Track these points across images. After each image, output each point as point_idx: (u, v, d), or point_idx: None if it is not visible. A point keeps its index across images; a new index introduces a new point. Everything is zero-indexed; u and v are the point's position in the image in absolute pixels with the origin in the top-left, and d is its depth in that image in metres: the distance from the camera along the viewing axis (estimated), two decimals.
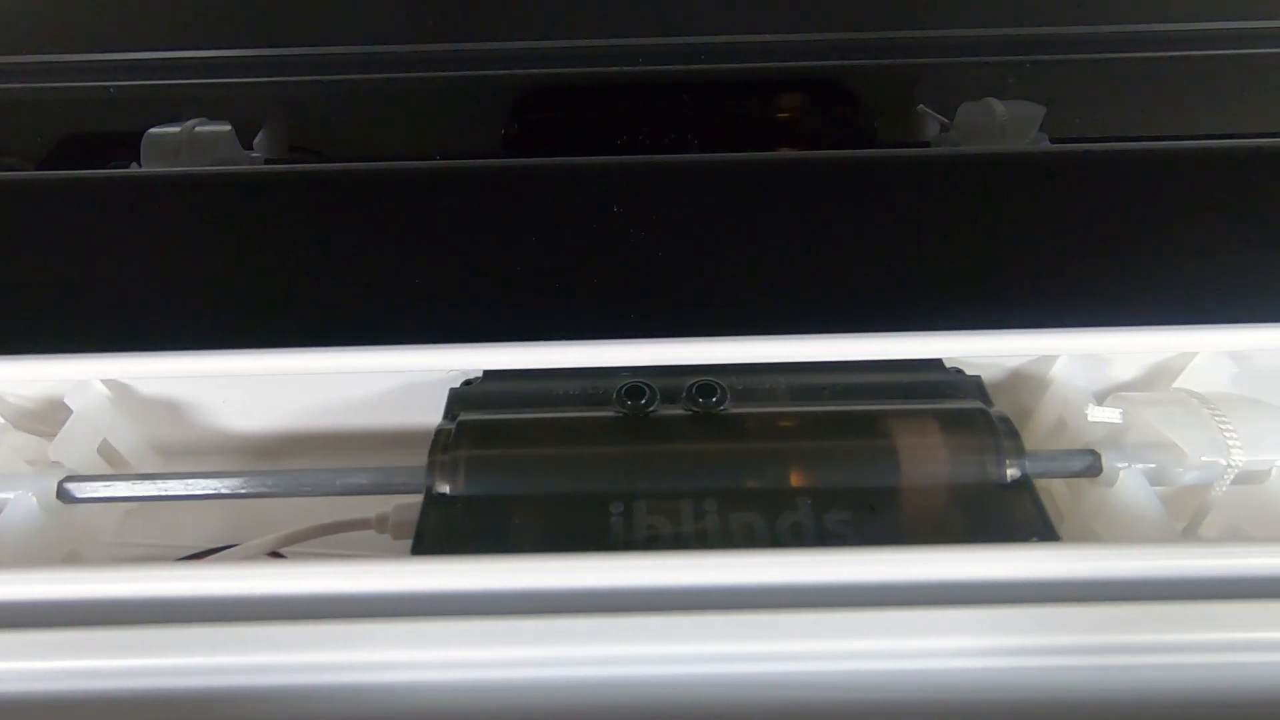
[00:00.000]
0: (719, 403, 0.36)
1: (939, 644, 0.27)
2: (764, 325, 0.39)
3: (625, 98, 0.50)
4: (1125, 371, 0.42)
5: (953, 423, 0.35)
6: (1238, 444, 0.34)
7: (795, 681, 0.28)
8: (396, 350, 0.39)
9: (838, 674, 0.28)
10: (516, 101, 0.50)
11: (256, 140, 0.58)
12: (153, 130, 0.55)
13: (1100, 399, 0.39)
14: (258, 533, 0.39)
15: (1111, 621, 0.28)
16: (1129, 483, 0.36)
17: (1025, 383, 0.43)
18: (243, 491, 0.37)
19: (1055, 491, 0.42)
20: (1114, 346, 0.39)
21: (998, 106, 0.53)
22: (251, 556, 0.38)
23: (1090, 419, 0.36)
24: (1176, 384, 0.42)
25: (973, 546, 0.29)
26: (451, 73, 0.48)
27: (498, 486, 0.34)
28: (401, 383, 0.42)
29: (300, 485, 0.37)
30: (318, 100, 0.54)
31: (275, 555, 0.39)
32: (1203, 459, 0.35)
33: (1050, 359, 0.41)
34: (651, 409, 0.37)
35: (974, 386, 0.39)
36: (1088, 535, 0.38)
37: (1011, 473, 0.34)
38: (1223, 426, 0.34)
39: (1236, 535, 0.38)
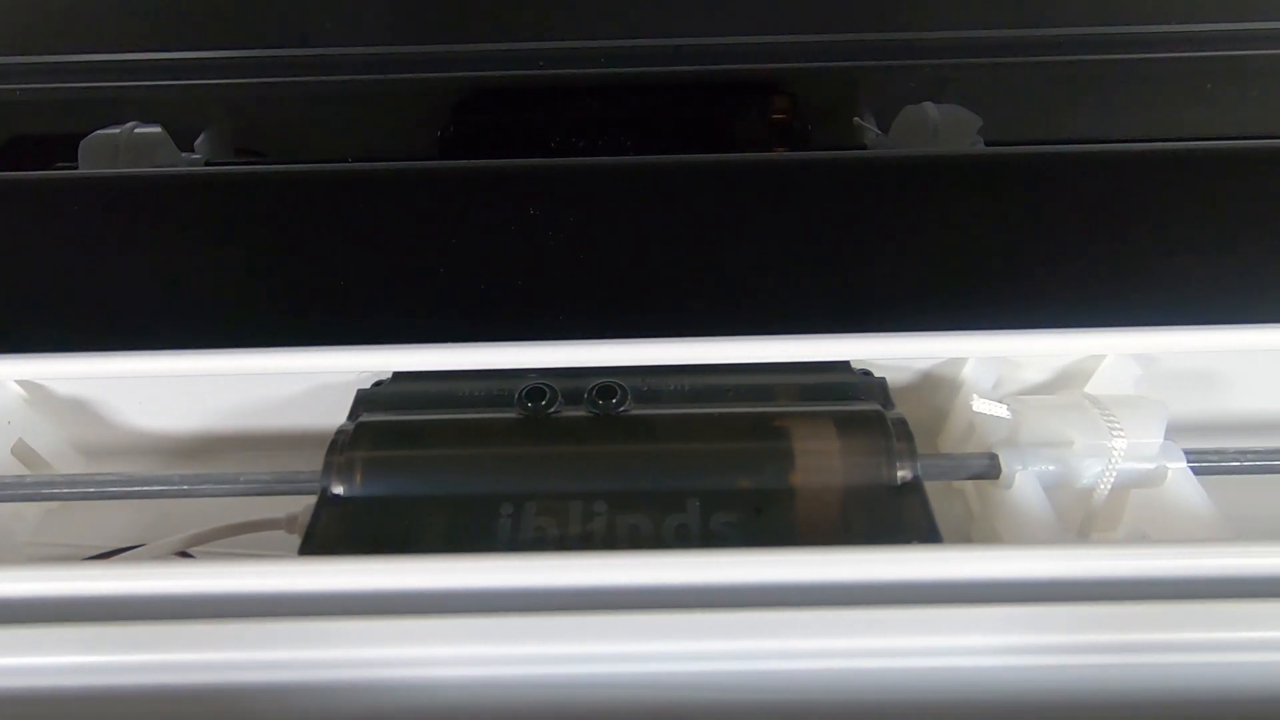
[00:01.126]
0: (619, 404, 0.37)
1: (789, 645, 0.27)
2: (676, 328, 0.40)
3: (546, 101, 0.50)
4: (1037, 375, 0.43)
5: (847, 425, 0.35)
6: (1121, 444, 0.34)
7: (667, 682, 0.28)
8: (307, 352, 0.39)
9: (706, 674, 0.28)
10: (443, 105, 0.51)
11: (197, 143, 0.58)
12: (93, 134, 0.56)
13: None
14: (181, 532, 0.40)
15: (986, 622, 0.28)
16: (1023, 485, 0.36)
17: (939, 385, 0.43)
18: (148, 490, 0.37)
19: (967, 494, 0.42)
20: (1019, 349, 0.40)
21: (931, 111, 0.54)
22: (159, 556, 0.38)
23: (974, 409, 0.36)
24: (1088, 388, 0.42)
25: (840, 549, 0.29)
26: (372, 76, 0.49)
27: (390, 488, 0.34)
28: (318, 383, 0.42)
29: (204, 486, 0.37)
30: (247, 102, 0.55)
31: (184, 555, 0.39)
32: (1089, 460, 0.35)
33: (961, 362, 0.41)
34: (552, 410, 0.37)
35: (878, 389, 0.39)
36: (991, 537, 0.39)
37: (902, 475, 0.34)
38: (1110, 427, 0.34)
39: (1139, 538, 0.38)
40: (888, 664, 0.27)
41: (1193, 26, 0.48)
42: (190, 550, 0.40)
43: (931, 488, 0.41)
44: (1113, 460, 0.34)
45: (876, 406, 0.37)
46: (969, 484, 0.41)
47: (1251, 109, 0.49)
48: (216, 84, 0.52)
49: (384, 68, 0.48)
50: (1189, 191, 0.44)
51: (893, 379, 0.43)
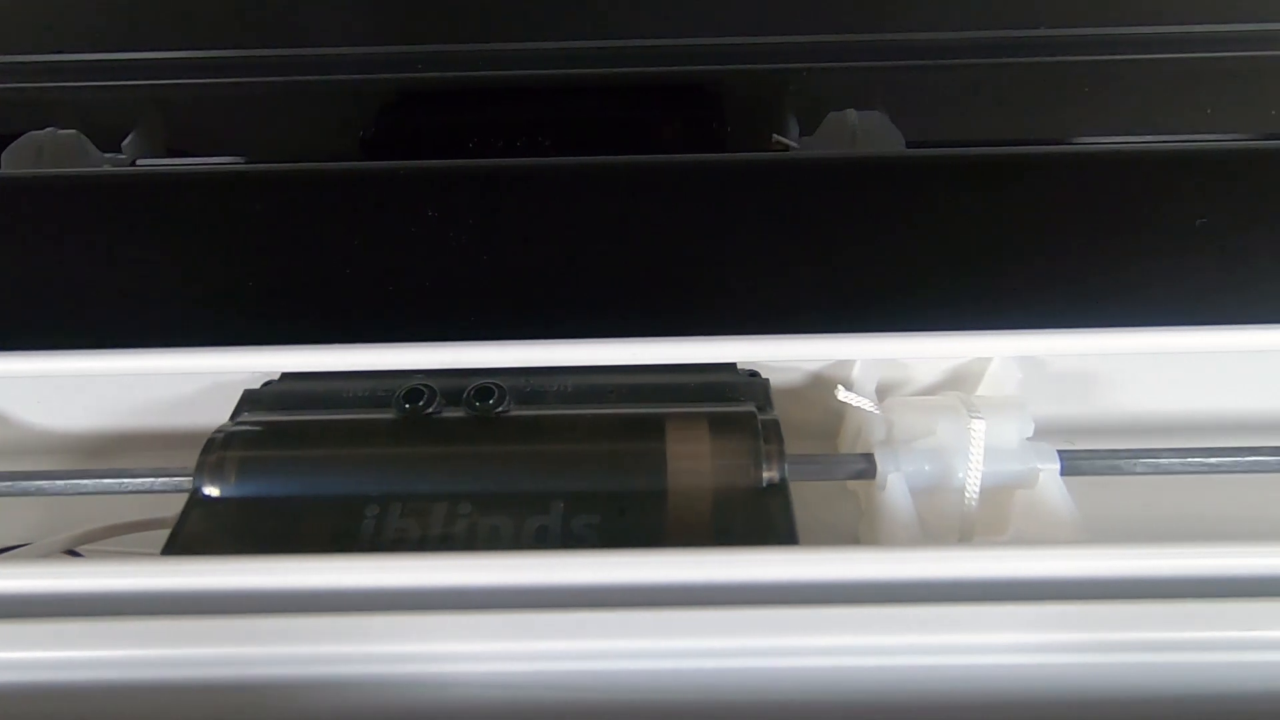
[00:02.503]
0: (496, 405, 0.37)
1: (618, 646, 0.27)
2: (572, 330, 0.40)
3: (455, 103, 0.50)
4: (928, 377, 0.43)
5: (716, 426, 0.35)
6: (979, 443, 0.34)
7: (496, 682, 0.29)
8: (197, 352, 0.39)
9: (531, 675, 0.28)
10: (354, 106, 0.51)
11: (125, 143, 0.59)
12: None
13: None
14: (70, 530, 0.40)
15: (808, 622, 0.28)
16: (894, 486, 0.36)
17: (832, 386, 0.43)
18: (25, 488, 0.37)
19: (860, 495, 0.42)
20: (904, 351, 0.40)
21: (852, 118, 0.53)
22: (45, 555, 0.38)
23: (839, 398, 0.36)
24: (979, 390, 0.42)
25: (676, 551, 0.29)
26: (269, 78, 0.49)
27: (259, 489, 0.34)
28: (211, 383, 0.43)
29: (82, 483, 0.38)
30: (154, 103, 0.55)
31: (71, 554, 0.39)
32: (957, 460, 0.35)
33: (851, 364, 0.41)
34: (430, 411, 0.37)
35: (760, 390, 0.39)
36: (868, 538, 0.39)
37: (769, 477, 0.34)
38: (971, 426, 0.35)
39: (1018, 539, 0.38)
40: (718, 665, 0.28)
41: (1091, 30, 0.48)
42: (78, 549, 0.40)
43: (824, 489, 0.42)
44: (972, 459, 0.34)
45: (750, 408, 0.37)
46: (860, 485, 0.42)
47: (1135, 112, 0.49)
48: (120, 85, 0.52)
49: (279, 69, 0.48)
50: (1079, 195, 0.44)
51: (789, 380, 0.43)
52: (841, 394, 0.36)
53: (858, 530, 0.41)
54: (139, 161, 0.56)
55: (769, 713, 0.28)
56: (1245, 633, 0.28)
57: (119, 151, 0.59)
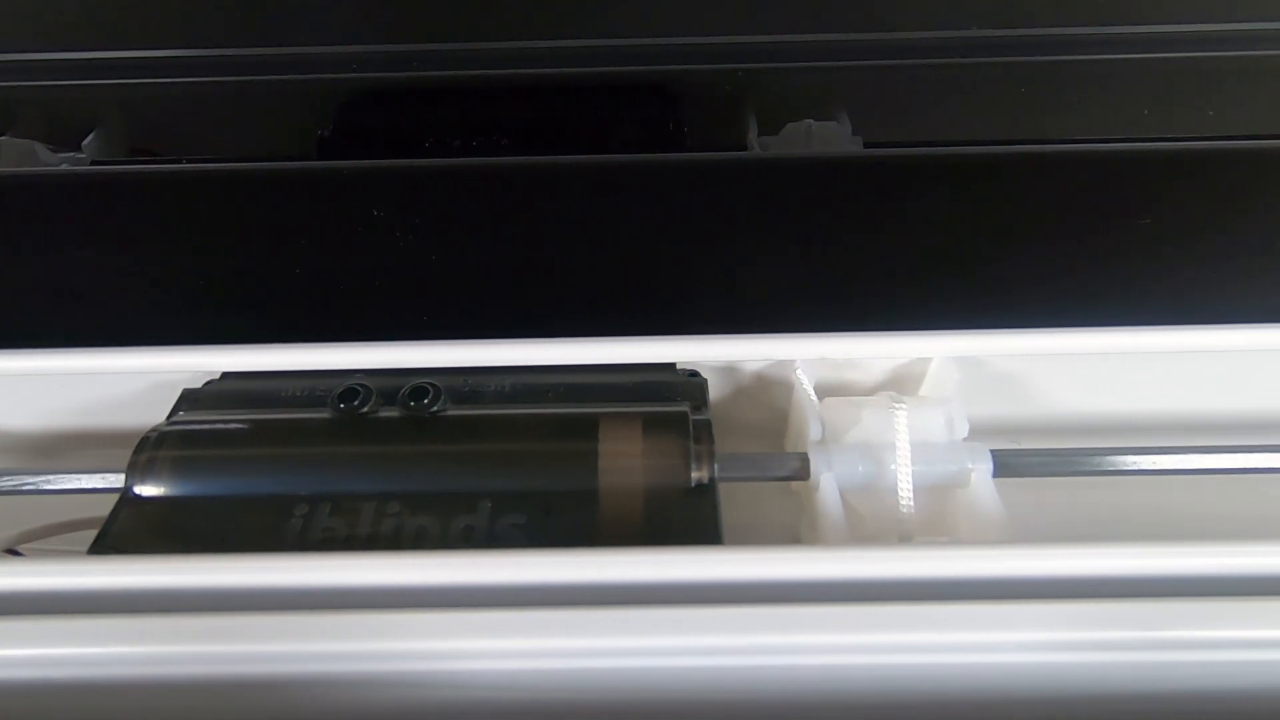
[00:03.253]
0: (431, 405, 0.37)
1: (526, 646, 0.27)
2: (508, 329, 0.40)
3: (405, 103, 0.50)
4: (871, 377, 0.43)
5: (649, 426, 0.35)
6: (904, 443, 0.34)
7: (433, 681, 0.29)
8: (136, 352, 0.40)
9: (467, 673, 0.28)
10: (300, 105, 0.51)
11: (85, 143, 0.59)
12: None
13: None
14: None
15: (747, 622, 0.28)
16: (826, 486, 0.36)
17: (777, 387, 0.43)
18: None
19: (802, 495, 0.42)
20: (844, 350, 0.40)
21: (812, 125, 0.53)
22: None
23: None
24: (921, 391, 0.42)
25: (587, 550, 0.29)
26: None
27: (188, 489, 0.34)
28: (156, 382, 0.43)
29: (24, 483, 0.38)
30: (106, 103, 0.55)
31: (12, 553, 0.40)
32: (888, 460, 0.35)
33: (790, 364, 0.41)
34: (365, 411, 0.37)
35: (698, 390, 0.39)
36: (809, 539, 0.39)
37: (697, 477, 0.34)
38: (897, 424, 0.35)
39: (952, 539, 0.38)
40: (627, 664, 0.28)
41: (1035, 31, 0.48)
42: (19, 548, 0.40)
43: (768, 489, 0.42)
44: (899, 457, 0.34)
45: (682, 408, 0.37)
46: (801, 486, 0.41)
47: (1076, 115, 0.49)
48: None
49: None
50: (1022, 195, 0.44)
51: (736, 381, 0.43)
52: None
53: (799, 530, 0.41)
54: (94, 161, 0.56)
55: (681, 712, 0.28)
56: (1161, 633, 0.28)
57: (79, 151, 0.59)
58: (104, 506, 0.40)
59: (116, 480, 0.36)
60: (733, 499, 0.39)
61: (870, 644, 0.28)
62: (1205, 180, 0.43)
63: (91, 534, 0.40)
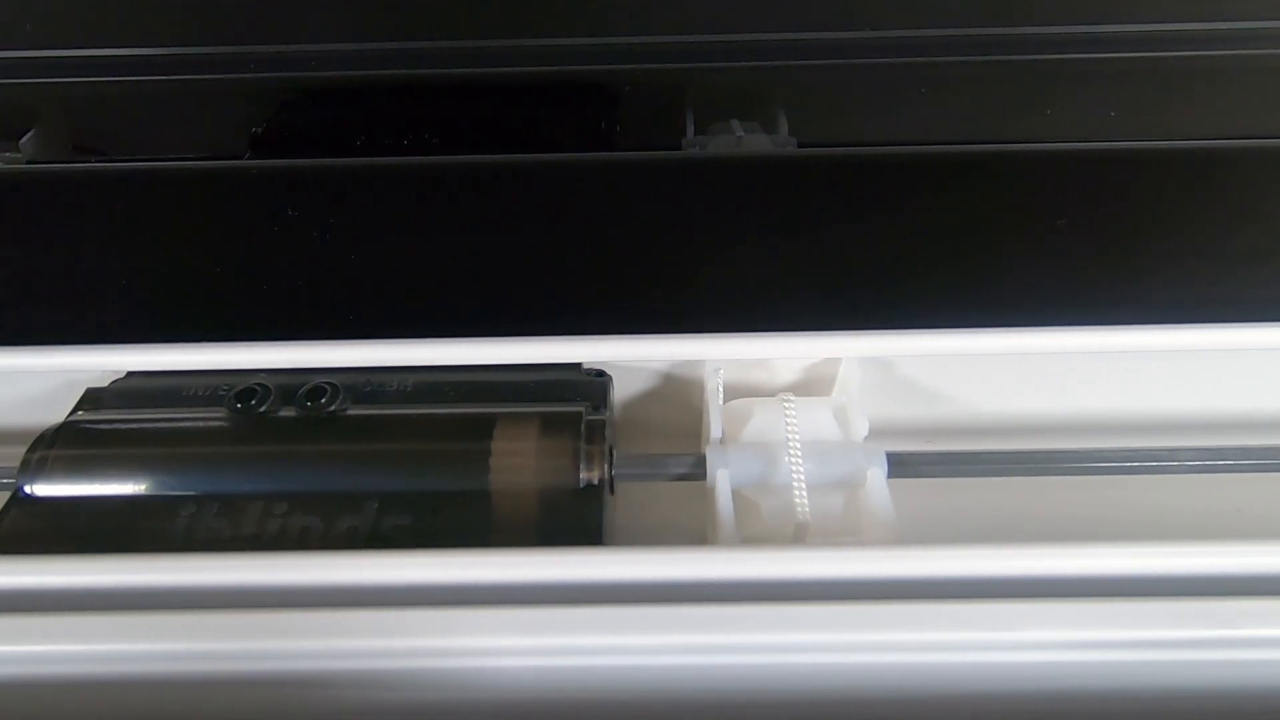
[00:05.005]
0: (329, 404, 0.37)
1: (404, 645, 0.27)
2: (417, 329, 0.40)
3: (326, 100, 0.50)
4: (781, 379, 0.43)
5: (543, 426, 0.35)
6: (796, 443, 0.34)
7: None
8: (37, 351, 0.40)
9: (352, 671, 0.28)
10: (221, 105, 0.51)
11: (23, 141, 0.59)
12: None
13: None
14: None
15: (643, 621, 0.28)
16: (720, 486, 0.36)
17: (693, 388, 0.43)
18: None
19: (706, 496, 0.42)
20: (750, 351, 0.40)
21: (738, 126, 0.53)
22: None
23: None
24: (834, 392, 0.42)
25: (462, 551, 0.29)
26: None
27: (77, 488, 0.34)
28: (63, 381, 0.42)
29: None
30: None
31: None
32: (783, 460, 0.35)
33: (698, 364, 0.41)
34: (262, 410, 0.37)
35: (600, 390, 0.39)
36: (710, 540, 0.39)
37: (586, 477, 0.34)
38: (788, 424, 0.35)
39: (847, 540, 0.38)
40: (503, 663, 0.28)
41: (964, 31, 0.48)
42: None
43: (685, 489, 0.42)
44: (790, 456, 0.34)
45: (578, 408, 0.37)
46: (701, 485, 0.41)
47: (991, 113, 0.49)
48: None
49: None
50: (935, 194, 0.44)
51: (651, 381, 0.43)
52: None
53: (706, 531, 0.41)
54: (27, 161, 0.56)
55: (551, 712, 0.28)
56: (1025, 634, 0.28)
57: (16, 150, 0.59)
58: None
59: (8, 479, 0.36)
60: (646, 500, 0.39)
61: (747, 644, 0.28)
62: (1111, 177, 0.43)
63: None
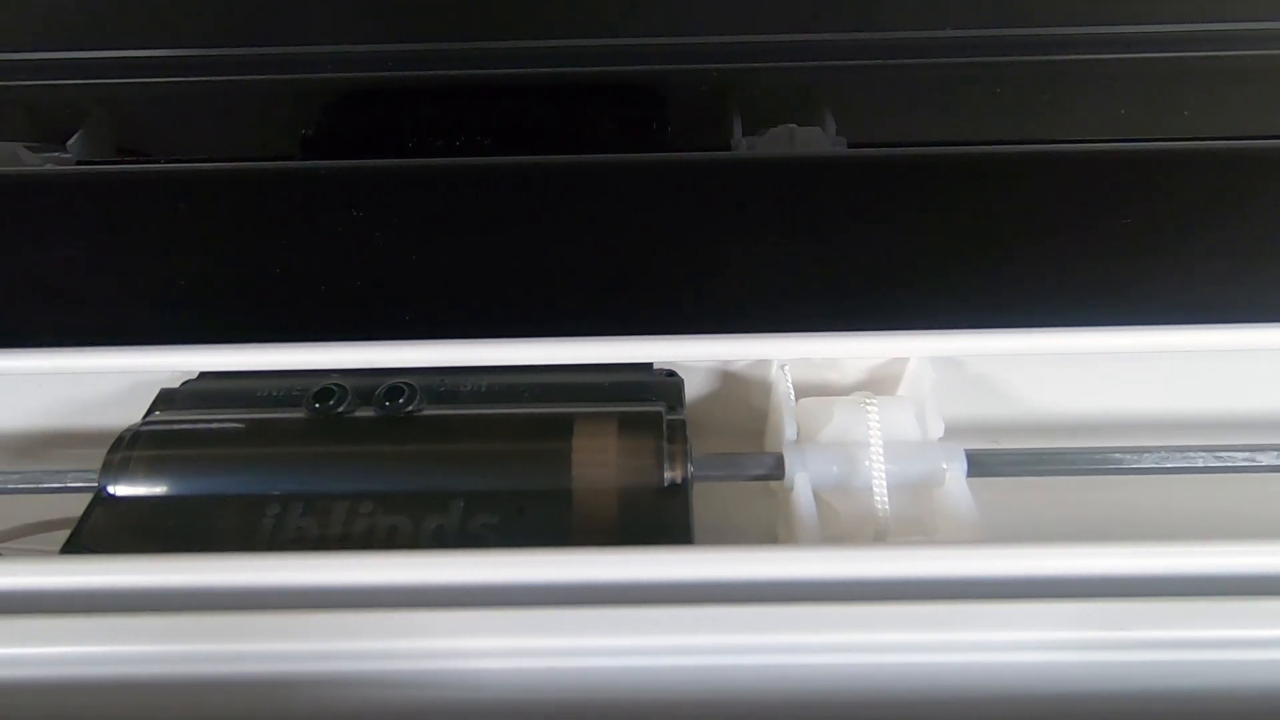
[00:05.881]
0: (406, 405, 0.37)
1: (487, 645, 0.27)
2: (486, 329, 0.40)
3: (388, 102, 0.50)
4: (848, 378, 0.43)
5: (623, 426, 0.35)
6: (878, 442, 0.34)
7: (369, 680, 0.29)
8: (114, 352, 0.40)
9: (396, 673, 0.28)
10: (283, 106, 0.51)
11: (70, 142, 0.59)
12: None
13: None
14: None
15: (727, 621, 0.28)
16: (801, 486, 0.36)
17: (756, 387, 0.43)
18: None
19: (779, 495, 0.42)
20: (820, 350, 0.40)
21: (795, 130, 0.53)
22: None
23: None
24: (899, 391, 0.42)
25: (554, 550, 0.29)
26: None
27: (161, 488, 0.34)
28: (134, 382, 0.43)
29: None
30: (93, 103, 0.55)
31: None
32: (863, 460, 0.35)
33: (767, 364, 0.41)
34: (340, 411, 0.37)
35: (674, 390, 0.39)
36: (785, 539, 0.39)
37: (670, 476, 0.34)
38: (870, 425, 0.35)
39: (927, 538, 0.38)
40: (600, 663, 0.28)
41: (1016, 31, 0.48)
42: None
43: (748, 489, 0.42)
44: (873, 457, 0.34)
45: (657, 408, 0.37)
46: (778, 485, 0.41)
47: (1061, 113, 0.49)
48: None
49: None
50: (1003, 195, 0.44)
51: (715, 381, 0.43)
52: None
53: (776, 529, 0.41)
54: (65, 162, 0.56)
55: (649, 712, 0.28)
56: (1140, 633, 0.28)
57: (64, 150, 0.59)
58: (79, 507, 0.40)
59: (91, 480, 0.36)
60: (714, 499, 0.39)
61: (843, 643, 0.28)
62: (1185, 179, 0.43)
63: (65, 534, 0.40)
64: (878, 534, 0.38)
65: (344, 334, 0.40)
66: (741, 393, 0.44)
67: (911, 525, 0.39)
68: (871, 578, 0.30)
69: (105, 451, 0.43)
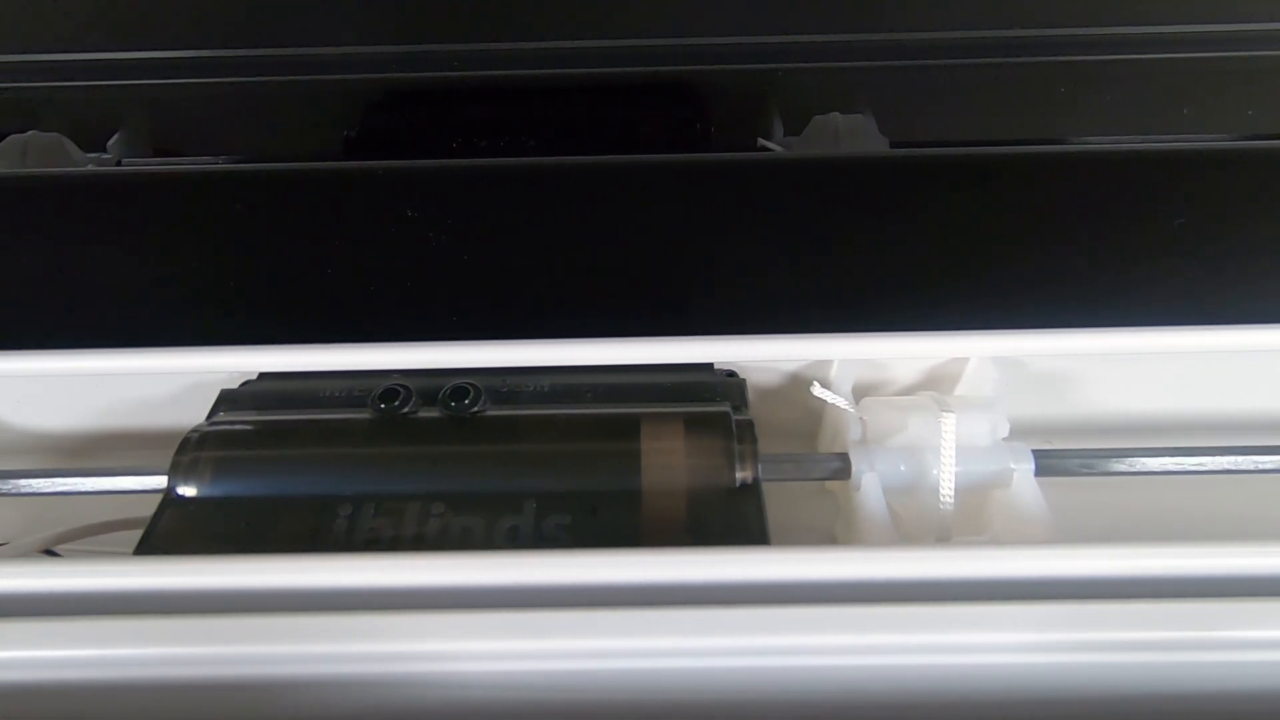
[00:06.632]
0: (471, 405, 0.37)
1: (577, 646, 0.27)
2: (546, 329, 0.40)
3: (437, 103, 0.50)
4: (905, 378, 0.43)
5: (689, 426, 0.35)
6: (950, 443, 0.34)
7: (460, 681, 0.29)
8: (174, 352, 0.40)
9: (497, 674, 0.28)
10: (335, 106, 0.51)
11: (110, 142, 0.59)
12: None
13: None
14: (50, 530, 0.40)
15: (799, 623, 0.29)
16: (868, 486, 0.36)
17: (803, 385, 0.43)
18: (4, 490, 0.37)
19: (838, 495, 0.42)
20: (880, 351, 0.40)
21: (835, 118, 0.53)
22: (22, 554, 0.39)
23: (814, 393, 0.36)
24: (957, 391, 0.42)
25: (634, 550, 0.29)
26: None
27: (231, 489, 0.34)
28: (192, 383, 0.43)
29: (62, 484, 0.38)
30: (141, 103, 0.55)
31: (49, 553, 0.39)
32: (930, 460, 0.35)
33: (827, 364, 0.41)
34: (406, 411, 0.37)
35: (737, 390, 0.39)
36: (843, 539, 0.39)
37: (741, 477, 0.34)
38: (944, 425, 0.35)
39: (992, 539, 0.38)
40: (685, 664, 0.28)
41: (1075, 31, 0.48)
42: (56, 549, 0.40)
43: (803, 488, 0.42)
44: (944, 457, 0.34)
45: (724, 408, 0.37)
46: (837, 485, 0.42)
47: (1116, 113, 0.49)
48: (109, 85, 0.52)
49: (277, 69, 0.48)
50: (1058, 195, 0.44)
51: (770, 381, 0.43)
52: (816, 390, 0.36)
53: (835, 530, 0.41)
54: (123, 161, 0.56)
55: (732, 712, 0.28)
56: (1226, 633, 0.28)
57: (104, 151, 0.59)
58: (140, 507, 0.40)
59: (154, 481, 0.36)
60: (768, 499, 0.39)
61: (919, 644, 0.28)
62: (1246, 178, 0.43)
63: (127, 535, 0.40)
64: (940, 535, 0.38)
65: (401, 335, 0.40)
66: (794, 393, 0.44)
67: (971, 526, 0.39)
68: (953, 578, 0.30)
69: (162, 452, 0.43)
